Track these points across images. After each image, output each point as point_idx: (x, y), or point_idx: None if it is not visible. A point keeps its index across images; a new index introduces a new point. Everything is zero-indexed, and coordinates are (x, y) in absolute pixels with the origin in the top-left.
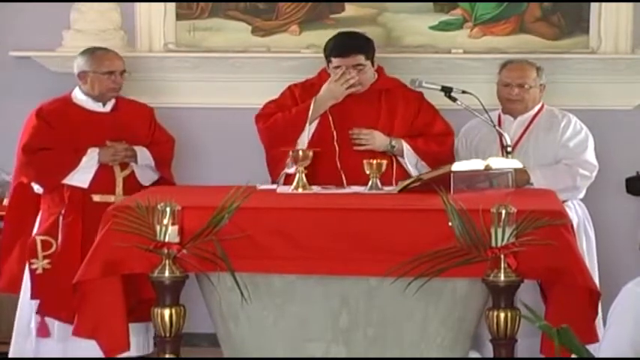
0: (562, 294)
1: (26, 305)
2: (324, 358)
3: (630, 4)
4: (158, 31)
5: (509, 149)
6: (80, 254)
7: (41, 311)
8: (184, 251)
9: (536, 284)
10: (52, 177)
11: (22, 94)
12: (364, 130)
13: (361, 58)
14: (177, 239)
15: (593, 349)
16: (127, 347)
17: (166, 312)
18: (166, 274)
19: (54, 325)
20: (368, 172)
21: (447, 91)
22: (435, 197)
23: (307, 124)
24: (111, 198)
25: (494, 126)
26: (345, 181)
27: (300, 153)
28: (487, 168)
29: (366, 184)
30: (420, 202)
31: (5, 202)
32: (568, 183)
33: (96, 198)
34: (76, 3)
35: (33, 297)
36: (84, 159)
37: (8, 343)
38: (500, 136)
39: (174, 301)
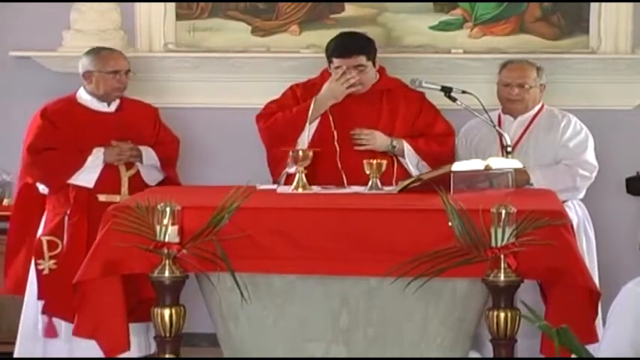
0: (562, 294)
1: (31, 306)
2: (324, 358)
3: (630, 4)
4: (158, 31)
5: (509, 149)
6: (86, 254)
7: (48, 312)
8: (184, 251)
9: (536, 284)
10: (57, 177)
11: (22, 94)
12: (365, 131)
13: (362, 59)
14: (177, 239)
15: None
16: (127, 347)
17: (166, 312)
18: (166, 274)
19: (61, 325)
20: (368, 172)
21: (446, 91)
22: (435, 197)
23: (307, 124)
24: (116, 198)
25: (494, 126)
26: (345, 181)
27: (300, 153)
28: (487, 168)
29: (367, 184)
30: (420, 202)
31: (5, 202)
32: (568, 183)
33: (101, 198)
34: (76, 3)
35: (40, 297)
36: (89, 159)
37: (8, 343)
38: (500, 136)
39: (174, 301)
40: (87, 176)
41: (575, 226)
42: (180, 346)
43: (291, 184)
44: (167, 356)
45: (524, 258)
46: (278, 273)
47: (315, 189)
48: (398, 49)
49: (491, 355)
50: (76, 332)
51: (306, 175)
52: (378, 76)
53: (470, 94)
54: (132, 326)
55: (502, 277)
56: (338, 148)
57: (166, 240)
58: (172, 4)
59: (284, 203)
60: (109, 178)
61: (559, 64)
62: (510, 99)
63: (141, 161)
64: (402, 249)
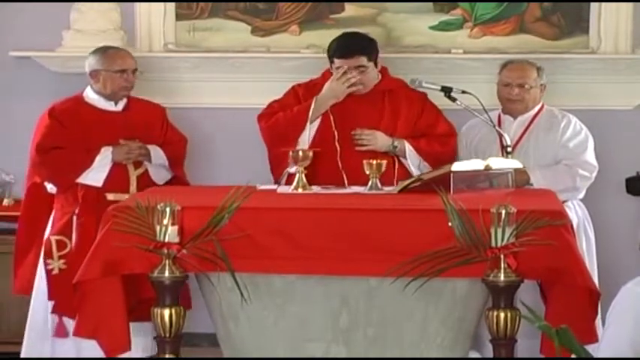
0: (562, 294)
1: (38, 306)
2: (324, 358)
3: (630, 4)
4: (158, 31)
5: (509, 149)
6: None
7: (58, 311)
8: (184, 251)
9: (536, 284)
10: (65, 176)
11: (22, 94)
12: (366, 131)
13: (363, 60)
14: (177, 239)
15: (592, 349)
16: (128, 347)
17: (166, 312)
18: (166, 274)
19: (71, 325)
20: (368, 173)
21: (446, 91)
22: (435, 197)
23: (308, 123)
24: (125, 197)
25: (494, 126)
26: (346, 181)
27: (300, 153)
28: (487, 168)
29: (367, 184)
30: (420, 202)
31: (5, 202)
32: (568, 183)
33: (110, 197)
34: (76, 3)
35: (50, 298)
36: (97, 158)
37: (8, 343)
38: (500, 136)
39: (174, 301)
40: (95, 175)
41: (575, 226)
42: (180, 346)
43: (292, 183)
44: (167, 356)
45: (524, 258)
46: (278, 273)
47: (315, 189)
48: (398, 49)
49: (491, 355)
50: (77, 332)
51: (306, 175)
52: (380, 77)
53: (470, 94)
54: (137, 326)
55: (502, 277)
56: (339, 148)
57: (166, 240)
58: (172, 4)
59: (284, 203)
60: (117, 177)
61: (559, 64)
62: (510, 99)
63: (149, 160)
64: (402, 249)
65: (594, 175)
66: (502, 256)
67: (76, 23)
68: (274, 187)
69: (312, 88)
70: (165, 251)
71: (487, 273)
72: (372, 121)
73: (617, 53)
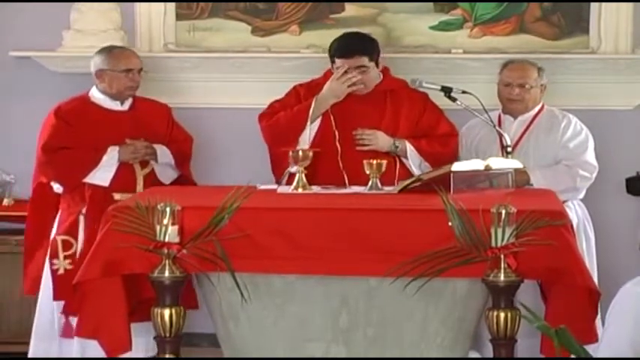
0: (562, 294)
1: (45, 306)
2: (324, 358)
3: (630, 4)
4: (158, 31)
5: (509, 149)
6: None
7: (65, 311)
8: (184, 251)
9: (536, 284)
10: (72, 176)
11: (22, 94)
12: (367, 131)
13: (364, 60)
14: (177, 239)
15: (592, 349)
16: (129, 347)
17: (166, 312)
18: (166, 274)
19: None
20: (368, 172)
21: (446, 91)
22: (435, 197)
23: (308, 123)
24: None
25: (494, 126)
26: (347, 181)
27: (300, 153)
28: (487, 168)
29: (367, 184)
30: (420, 202)
31: (5, 202)
32: (568, 184)
33: (117, 196)
34: (76, 3)
35: (56, 298)
36: (104, 157)
37: (8, 343)
38: (501, 136)
39: (174, 301)
40: (102, 175)
41: (575, 226)
42: (180, 346)
43: (291, 183)
44: (167, 356)
45: (524, 258)
46: (278, 273)
47: (315, 189)
48: (398, 49)
49: (491, 355)
50: (78, 333)
51: (306, 175)
52: (381, 77)
53: (470, 94)
54: (139, 326)
55: (502, 277)
56: (339, 148)
57: (166, 240)
58: (172, 4)
59: (284, 203)
60: (124, 177)
61: (559, 64)
62: (511, 99)
63: (156, 160)
64: (402, 249)
65: (594, 175)
66: (502, 256)
67: (76, 23)
68: (274, 187)
69: (313, 88)
70: (166, 251)
71: (487, 273)
72: (374, 121)
73: (617, 53)
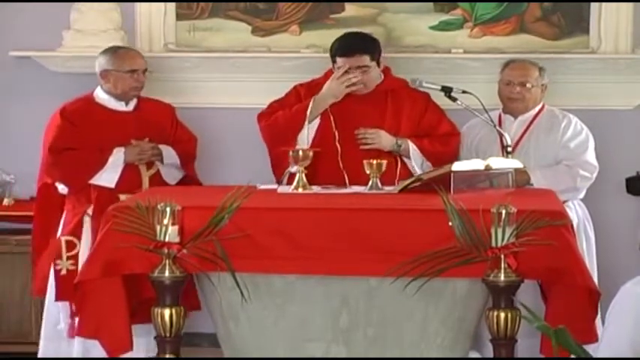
0: (562, 294)
1: (53, 306)
2: (324, 358)
3: (630, 4)
4: (158, 31)
5: (509, 149)
6: None
7: (70, 312)
8: (184, 251)
9: (536, 284)
10: (78, 177)
11: (22, 94)
12: (370, 130)
13: (366, 59)
14: (177, 239)
15: (592, 348)
16: (130, 347)
17: (166, 312)
18: (166, 274)
19: None
20: (368, 172)
21: (447, 91)
22: (435, 197)
23: (306, 123)
24: None
25: (495, 126)
26: (347, 181)
27: (300, 153)
28: (487, 168)
29: (367, 184)
30: (420, 202)
31: (5, 202)
32: (568, 184)
33: (123, 198)
34: (76, 3)
35: (57, 298)
36: (110, 159)
37: (8, 343)
38: (501, 136)
39: (175, 301)
40: (108, 176)
41: (575, 226)
42: (180, 346)
43: (292, 183)
44: (167, 356)
45: (524, 258)
46: (278, 273)
47: (316, 189)
48: (398, 49)
49: (491, 355)
50: (79, 333)
51: (306, 175)
52: (382, 77)
53: (470, 94)
54: (140, 327)
55: (502, 277)
56: (339, 148)
57: (166, 240)
58: (172, 4)
59: (284, 203)
60: (129, 178)
61: (559, 64)
62: (511, 97)
63: (161, 160)
64: (402, 249)
65: (595, 175)
66: (502, 256)
67: (76, 23)
68: (274, 187)
69: (314, 87)
70: (166, 251)
71: (487, 273)
72: (375, 121)
73: (617, 53)
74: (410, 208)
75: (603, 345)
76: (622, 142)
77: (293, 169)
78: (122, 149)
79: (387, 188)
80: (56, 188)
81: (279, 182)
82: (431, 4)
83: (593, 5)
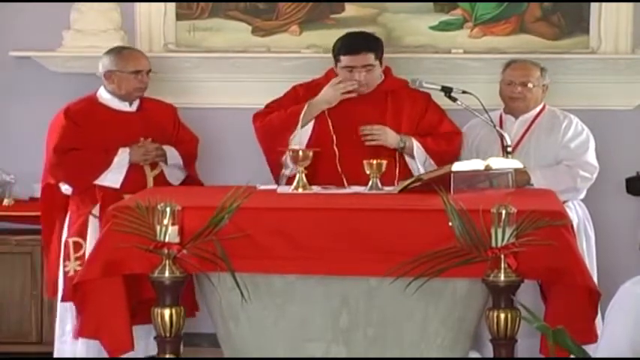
0: (562, 294)
1: (63, 307)
2: (324, 358)
3: (630, 4)
4: (158, 31)
5: (509, 149)
6: None
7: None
8: (184, 251)
9: (536, 284)
10: (83, 178)
11: (22, 94)
12: (376, 126)
13: (370, 58)
14: (177, 239)
15: (591, 348)
16: (131, 347)
17: (166, 312)
18: (166, 274)
19: None
20: (368, 172)
21: (447, 91)
22: (435, 197)
23: (299, 127)
24: None
25: (494, 126)
26: (345, 184)
27: (300, 153)
28: (487, 168)
29: (366, 185)
30: (420, 202)
31: (5, 202)
32: (568, 184)
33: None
34: (76, 3)
35: (63, 299)
36: (115, 159)
37: (8, 343)
38: (501, 136)
39: (174, 301)
40: (113, 177)
41: (575, 226)
42: (180, 346)
43: (291, 184)
44: (167, 356)
45: (524, 258)
46: (278, 273)
47: (316, 189)
48: (398, 49)
49: (491, 355)
50: (80, 333)
51: (306, 175)
52: (382, 77)
53: (470, 94)
54: (140, 328)
55: (502, 277)
56: (337, 152)
57: (166, 240)
58: (172, 4)
59: (284, 203)
60: (134, 178)
61: (559, 64)
62: (512, 97)
63: (165, 161)
64: (402, 249)
65: (595, 176)
66: (502, 256)
67: (76, 23)
68: (274, 187)
69: (314, 88)
70: (166, 251)
71: (487, 273)
72: (375, 122)
73: (617, 53)
74: (410, 208)
75: (602, 344)
76: (622, 142)
77: (287, 171)
78: (127, 149)
79: (387, 188)
80: (59, 189)
81: (277, 183)
82: (431, 4)
83: (593, 5)
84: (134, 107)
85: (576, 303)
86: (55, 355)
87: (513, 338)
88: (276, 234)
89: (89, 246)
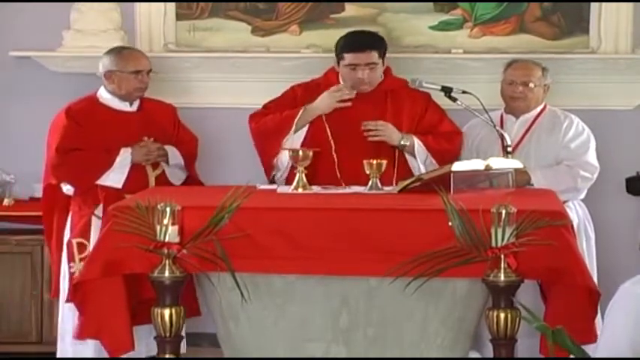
0: (562, 294)
1: (66, 308)
2: (324, 358)
3: (630, 4)
4: (158, 31)
5: (509, 149)
6: None
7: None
8: (184, 251)
9: (536, 284)
10: (86, 178)
11: (22, 94)
12: (380, 122)
13: (375, 56)
14: (177, 239)
15: (590, 348)
16: (131, 347)
17: (166, 312)
18: (166, 274)
19: None
20: (368, 172)
21: (447, 91)
22: (435, 197)
23: (292, 132)
24: None
25: (494, 126)
26: (343, 184)
27: (300, 153)
28: (487, 168)
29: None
30: (420, 202)
31: (5, 202)
32: (569, 184)
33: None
34: (76, 3)
35: (68, 300)
36: (117, 159)
37: (8, 344)
38: (502, 136)
39: (174, 301)
40: (115, 177)
41: (575, 226)
42: (180, 346)
43: (290, 184)
44: (167, 356)
45: (524, 258)
46: (278, 273)
47: (316, 189)
48: (398, 49)
49: (491, 355)
50: (80, 334)
51: (306, 175)
52: (382, 76)
53: (470, 94)
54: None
55: (502, 277)
56: (335, 153)
57: (166, 240)
58: (172, 4)
59: (284, 203)
60: (136, 178)
61: (559, 64)
62: (514, 96)
63: (167, 161)
64: (402, 249)
65: (595, 176)
66: (502, 256)
67: (76, 23)
68: (274, 187)
69: (313, 88)
70: (166, 251)
71: (487, 273)
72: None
73: (617, 53)
74: (410, 208)
75: (602, 344)
76: (622, 142)
77: (278, 174)
78: (129, 149)
79: (387, 188)
80: (61, 189)
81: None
82: (431, 4)
83: (593, 5)
84: (134, 107)
85: (576, 303)
86: (58, 356)
87: (513, 338)
88: (276, 234)
89: (92, 246)
